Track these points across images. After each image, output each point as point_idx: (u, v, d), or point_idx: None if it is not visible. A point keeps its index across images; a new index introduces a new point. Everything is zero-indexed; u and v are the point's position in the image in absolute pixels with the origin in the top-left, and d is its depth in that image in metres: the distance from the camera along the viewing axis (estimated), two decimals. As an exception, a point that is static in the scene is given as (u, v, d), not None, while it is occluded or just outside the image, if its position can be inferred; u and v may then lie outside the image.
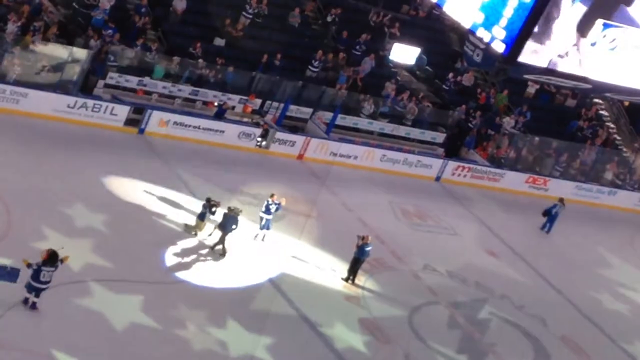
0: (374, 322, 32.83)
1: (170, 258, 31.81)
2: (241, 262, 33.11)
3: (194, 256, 32.43)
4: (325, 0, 45.77)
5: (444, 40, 45.45)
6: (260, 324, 30.28)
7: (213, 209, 33.00)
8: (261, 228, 34.23)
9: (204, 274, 31.69)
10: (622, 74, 29.95)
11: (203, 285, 31.29)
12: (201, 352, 28.35)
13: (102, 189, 34.08)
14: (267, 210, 34.13)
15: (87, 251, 30.09)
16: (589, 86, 31.32)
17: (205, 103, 40.94)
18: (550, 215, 43.24)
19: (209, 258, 32.65)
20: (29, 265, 26.05)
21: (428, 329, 33.81)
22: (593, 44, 28.55)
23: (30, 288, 26.52)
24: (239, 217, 33.07)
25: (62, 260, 26.69)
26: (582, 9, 27.70)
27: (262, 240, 34.37)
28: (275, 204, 34.25)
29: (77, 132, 36.88)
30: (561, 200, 43.74)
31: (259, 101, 41.58)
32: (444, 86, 47.13)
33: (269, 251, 34.14)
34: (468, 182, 44.76)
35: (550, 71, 29.25)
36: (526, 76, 31.70)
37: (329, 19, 45.36)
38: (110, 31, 39.22)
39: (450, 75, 47.13)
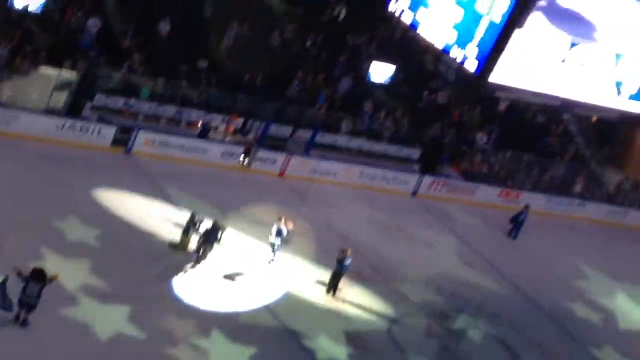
0: (355, 333, 32.66)
1: (159, 273, 31.66)
2: (234, 279, 33.16)
3: (180, 271, 32.19)
4: (305, 22, 45.44)
5: (419, 60, 45.27)
6: (246, 336, 30.13)
7: (197, 225, 32.76)
8: (274, 252, 34.28)
9: (192, 288, 31.53)
10: (589, 91, 30.27)
11: (191, 298, 31.14)
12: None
13: (92, 207, 33.95)
14: (278, 234, 34.10)
15: (79, 268, 29.94)
16: (557, 103, 31.60)
17: (189, 123, 40.85)
18: (516, 222, 43.50)
19: (196, 273, 32.45)
20: (19, 274, 25.73)
21: (407, 340, 33.87)
22: (563, 61, 28.90)
23: (20, 303, 26.15)
24: (223, 232, 32.93)
25: (51, 279, 26.29)
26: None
27: (272, 262, 34.49)
28: (289, 231, 34.39)
29: (67, 153, 36.62)
30: (527, 207, 43.93)
31: (241, 120, 41.58)
32: (419, 104, 47.00)
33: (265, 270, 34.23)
34: (443, 197, 44.73)
35: (520, 89, 29.52)
36: (497, 94, 31.97)
37: (308, 42, 45.18)
38: (94, 53, 39.16)
39: (425, 93, 47.18)
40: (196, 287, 32.01)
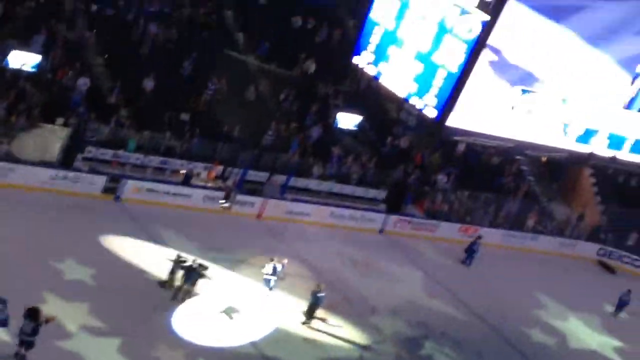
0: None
1: (149, 309, 31.65)
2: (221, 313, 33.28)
3: (168, 307, 32.20)
4: (278, 77, 45.76)
5: (382, 109, 45.68)
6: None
7: (181, 265, 32.95)
8: (270, 289, 34.56)
9: (183, 322, 31.62)
10: (539, 133, 30.59)
11: (181, 332, 31.22)
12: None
13: (86, 249, 33.88)
14: (274, 272, 34.43)
15: (76, 305, 29.95)
16: (511, 145, 31.99)
17: (173, 171, 40.86)
18: (471, 251, 43.80)
19: (186, 308, 32.54)
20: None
21: None
22: (512, 108, 29.28)
23: (19, 340, 26.31)
24: (205, 272, 33.07)
25: (47, 320, 26.40)
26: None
27: (269, 296, 34.70)
28: (283, 266, 34.80)
29: (61, 201, 36.67)
30: (479, 237, 44.36)
31: (221, 167, 41.53)
32: (383, 149, 47.22)
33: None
34: (408, 233, 44.81)
35: (476, 133, 29.83)
36: (455, 137, 32.23)
37: (282, 95, 45.49)
38: (83, 109, 39.27)
39: (389, 139, 47.24)
40: (187, 321, 31.92)
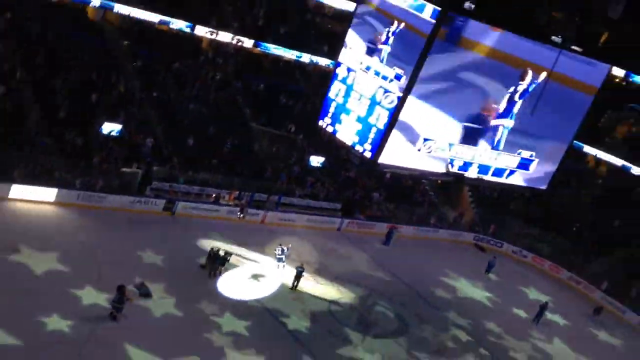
0: (310, 311, 33.20)
1: (195, 281, 32.04)
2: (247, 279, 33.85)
3: (208, 279, 32.65)
4: (273, 136, 45.72)
5: (338, 152, 45.39)
6: (246, 314, 30.82)
7: (214, 253, 33.33)
8: (283, 264, 35.38)
9: (222, 286, 32.33)
10: (436, 166, 30.45)
11: (220, 291, 31.94)
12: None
13: (156, 244, 34.17)
14: (282, 252, 35.27)
15: (152, 280, 30.31)
16: (418, 173, 31.88)
17: (207, 195, 40.70)
18: (388, 236, 44.29)
19: (224, 277, 32.92)
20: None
21: (340, 313, 34.18)
22: (419, 150, 29.25)
23: (111, 305, 27.21)
24: (229, 258, 33.67)
25: (128, 299, 27.15)
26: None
27: (282, 268, 35.44)
28: (288, 248, 35.50)
29: (137, 216, 36.84)
30: (394, 226, 44.71)
31: (237, 192, 41.31)
32: (339, 178, 47.28)
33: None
34: (356, 230, 44.70)
35: (396, 166, 29.70)
36: (384, 169, 31.96)
37: (274, 148, 45.39)
38: (149, 158, 39.37)
39: (343, 172, 47.36)
40: (222, 286, 32.54)
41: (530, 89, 28.99)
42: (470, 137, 29.48)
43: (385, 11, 27.91)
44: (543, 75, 28.90)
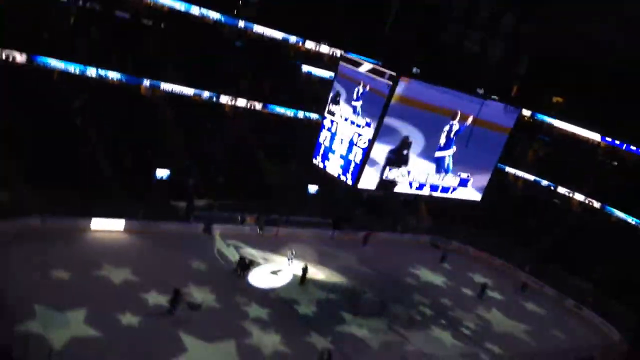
0: (314, 299, 32.97)
1: (230, 280, 31.65)
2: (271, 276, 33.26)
3: (239, 279, 32.29)
4: (281, 170, 45.02)
5: (329, 182, 44.51)
6: (268, 302, 30.56)
7: (242, 260, 33.14)
8: (289, 260, 35.20)
9: (249, 280, 31.77)
10: (400, 187, 30.26)
11: (249, 284, 31.23)
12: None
13: (201, 254, 33.91)
14: (291, 255, 35.33)
15: (198, 283, 30.13)
16: (390, 193, 31.43)
17: (234, 218, 39.80)
18: (366, 239, 43.06)
19: (251, 274, 32.43)
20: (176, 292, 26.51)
21: (337, 300, 33.87)
22: (386, 177, 29.26)
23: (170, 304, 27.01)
24: (253, 265, 33.57)
25: (183, 298, 27.08)
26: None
27: (291, 265, 35.21)
28: (294, 252, 35.53)
29: (183, 237, 36.33)
30: (369, 232, 43.52)
31: (256, 215, 40.48)
32: (330, 200, 46.15)
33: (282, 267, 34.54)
34: (343, 238, 43.76)
35: (368, 189, 29.62)
36: (361, 192, 31.78)
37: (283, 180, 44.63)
38: (190, 194, 38.79)
39: (331, 196, 46.47)
40: (251, 280, 32.39)
41: (461, 131, 29.27)
42: (423, 165, 29.66)
43: (354, 78, 28.26)
44: (470, 119, 29.24)
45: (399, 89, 26.24)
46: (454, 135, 29.23)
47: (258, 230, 39.98)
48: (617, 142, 51.23)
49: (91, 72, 37.68)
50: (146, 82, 39.94)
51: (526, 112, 54.22)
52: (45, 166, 33.60)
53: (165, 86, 40.77)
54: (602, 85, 51.20)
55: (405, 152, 28.46)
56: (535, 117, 55.07)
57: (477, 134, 29.88)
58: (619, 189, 50.46)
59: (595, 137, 52.51)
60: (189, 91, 41.91)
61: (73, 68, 37.07)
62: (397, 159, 28.44)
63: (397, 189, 29.78)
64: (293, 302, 31.87)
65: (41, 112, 35.74)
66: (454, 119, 28.97)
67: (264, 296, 31.43)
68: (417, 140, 28.49)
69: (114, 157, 37.44)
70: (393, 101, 26.37)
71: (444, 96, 27.84)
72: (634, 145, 50.00)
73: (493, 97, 30.02)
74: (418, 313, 35.27)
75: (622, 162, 52.10)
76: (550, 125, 54.92)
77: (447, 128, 28.89)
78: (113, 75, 38.54)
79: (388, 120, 27.01)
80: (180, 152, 41.23)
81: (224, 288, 30.83)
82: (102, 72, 37.93)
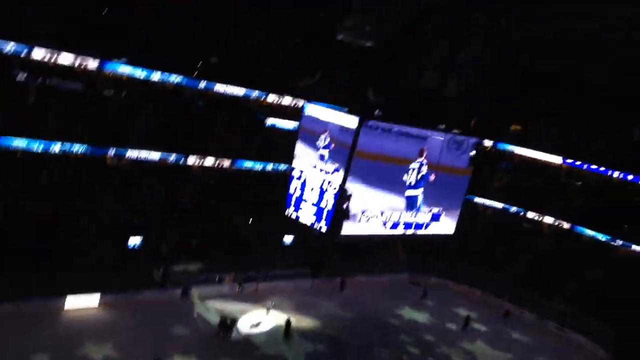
0: (302, 350, 32.57)
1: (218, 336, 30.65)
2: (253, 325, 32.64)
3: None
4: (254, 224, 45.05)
5: (304, 231, 44.16)
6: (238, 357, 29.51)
7: (224, 319, 32.63)
8: (267, 311, 35.16)
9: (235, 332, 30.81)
10: (375, 229, 30.32)
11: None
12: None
13: (184, 318, 33.20)
14: (270, 305, 35.54)
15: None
16: (365, 237, 31.27)
17: (212, 279, 39.46)
18: (343, 285, 43.16)
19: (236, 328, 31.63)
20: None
21: (324, 348, 33.24)
22: (359, 220, 29.25)
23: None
24: (235, 323, 33.13)
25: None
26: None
27: (269, 311, 35.38)
28: (273, 303, 35.56)
29: (163, 301, 35.78)
30: (344, 279, 43.39)
31: (234, 274, 40.20)
32: (306, 248, 46.10)
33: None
34: (323, 286, 43.48)
35: (347, 235, 29.62)
36: (336, 239, 31.69)
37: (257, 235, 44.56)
38: (166, 260, 38.24)
39: (306, 244, 46.35)
40: (234, 340, 31.95)
41: (427, 176, 29.77)
42: (396, 204, 29.85)
43: (318, 127, 28.52)
44: (432, 165, 29.91)
45: (358, 145, 26.69)
46: (423, 175, 29.56)
47: (237, 288, 39.51)
48: (578, 162, 52.28)
49: (55, 147, 37.21)
50: (111, 152, 39.58)
51: (488, 143, 55.18)
52: (13, 247, 32.68)
53: (131, 153, 40.44)
54: (557, 110, 52.63)
55: (376, 193, 28.65)
56: (497, 146, 56.02)
57: (442, 177, 30.47)
58: (585, 209, 51.29)
59: (557, 160, 53.53)
60: (155, 156, 41.65)
61: (36, 145, 36.58)
62: (368, 201, 28.58)
63: (371, 231, 29.79)
64: (281, 358, 31.34)
65: (6, 193, 35.02)
66: (421, 156, 29.28)
67: (251, 355, 30.72)
68: (385, 182, 28.80)
69: (84, 230, 36.74)
70: (355, 156, 26.80)
71: (402, 144, 28.28)
72: (594, 165, 51.03)
73: (454, 130, 30.49)
74: (405, 353, 34.95)
75: (585, 182, 53.07)
76: (512, 153, 55.88)
77: (416, 166, 29.19)
78: (77, 148, 38.15)
79: (356, 165, 27.22)
80: (151, 217, 40.66)
81: (209, 353, 30.20)
82: (65, 146, 37.52)
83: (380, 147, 27.22)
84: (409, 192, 29.68)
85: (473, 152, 31.01)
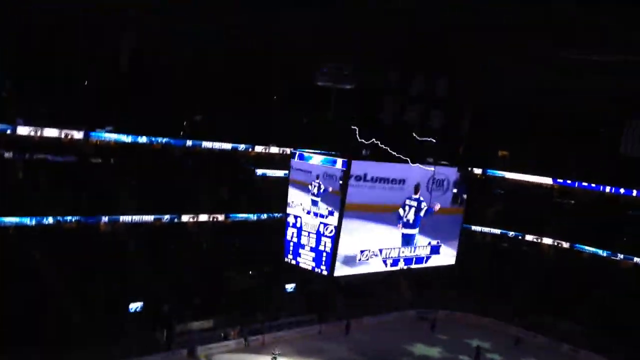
0: None
1: None
2: None
3: None
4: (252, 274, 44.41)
5: (304, 277, 42.95)
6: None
7: None
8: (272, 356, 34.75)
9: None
10: (375, 267, 30.01)
11: None
12: None
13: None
14: (274, 352, 34.83)
15: None
16: (362, 276, 30.92)
17: (218, 336, 38.77)
18: (348, 328, 42.30)
19: None
20: None
21: None
22: (359, 260, 28.93)
23: None
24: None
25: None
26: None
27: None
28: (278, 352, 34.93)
29: None
30: (349, 322, 42.69)
31: (239, 329, 39.64)
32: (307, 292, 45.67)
33: None
34: (331, 329, 42.73)
35: (349, 275, 29.15)
36: (337, 279, 31.12)
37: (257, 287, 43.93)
38: (169, 320, 37.73)
39: (308, 290, 45.39)
40: None
41: (432, 210, 29.81)
42: (393, 241, 29.66)
43: (308, 173, 28.46)
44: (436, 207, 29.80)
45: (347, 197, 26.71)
46: (420, 213, 29.52)
47: (243, 342, 38.74)
48: (569, 181, 52.38)
49: (48, 220, 36.92)
50: (104, 219, 39.32)
51: (477, 170, 55.30)
52: (6, 326, 31.70)
53: (124, 218, 40.18)
54: (542, 131, 52.96)
55: (374, 232, 28.44)
56: (487, 173, 56.15)
57: (438, 216, 30.55)
58: (582, 226, 51.17)
59: (547, 181, 53.63)
60: (148, 218, 41.41)
61: (29, 220, 36.26)
62: (366, 240, 28.42)
63: (372, 269, 29.50)
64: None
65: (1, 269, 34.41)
66: (416, 192, 29.27)
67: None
68: (380, 220, 28.69)
69: (82, 301, 35.95)
70: (345, 210, 26.87)
71: (389, 192, 28.29)
72: (584, 182, 51.14)
73: (442, 162, 30.47)
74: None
75: (578, 199, 53.09)
76: (503, 178, 55.99)
77: (414, 204, 29.15)
78: (69, 218, 37.86)
79: (350, 208, 27.24)
80: (151, 280, 39.94)
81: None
82: (58, 218, 37.26)
83: (369, 197, 27.40)
84: (406, 231, 29.59)
85: (455, 190, 30.84)
